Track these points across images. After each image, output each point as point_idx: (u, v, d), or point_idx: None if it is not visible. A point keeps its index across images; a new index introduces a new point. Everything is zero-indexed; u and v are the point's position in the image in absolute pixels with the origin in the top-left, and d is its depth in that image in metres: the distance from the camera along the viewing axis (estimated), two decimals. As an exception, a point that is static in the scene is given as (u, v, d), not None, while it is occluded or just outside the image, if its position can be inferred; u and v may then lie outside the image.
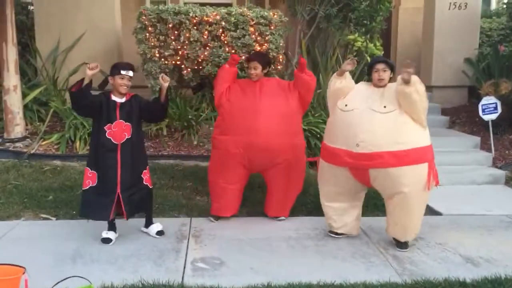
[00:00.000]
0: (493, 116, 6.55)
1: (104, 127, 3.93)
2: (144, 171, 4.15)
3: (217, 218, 4.63)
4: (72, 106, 4.10)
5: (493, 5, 10.72)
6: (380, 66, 3.92)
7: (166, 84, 4.09)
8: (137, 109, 4.06)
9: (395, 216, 3.93)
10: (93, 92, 3.92)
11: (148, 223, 4.29)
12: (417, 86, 3.70)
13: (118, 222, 4.15)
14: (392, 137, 3.68)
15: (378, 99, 3.82)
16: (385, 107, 3.74)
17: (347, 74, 4.05)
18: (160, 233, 4.23)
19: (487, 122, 6.62)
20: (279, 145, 4.35)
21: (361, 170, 3.82)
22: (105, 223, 4.09)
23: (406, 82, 3.68)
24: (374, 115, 3.74)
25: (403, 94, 3.71)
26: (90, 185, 3.97)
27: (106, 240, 4.03)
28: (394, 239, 4.05)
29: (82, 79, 3.88)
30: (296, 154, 4.49)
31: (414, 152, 3.69)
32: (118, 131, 3.95)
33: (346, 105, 3.90)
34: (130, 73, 3.96)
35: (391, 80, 4.00)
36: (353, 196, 4.14)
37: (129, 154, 3.99)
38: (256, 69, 4.50)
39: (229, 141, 4.39)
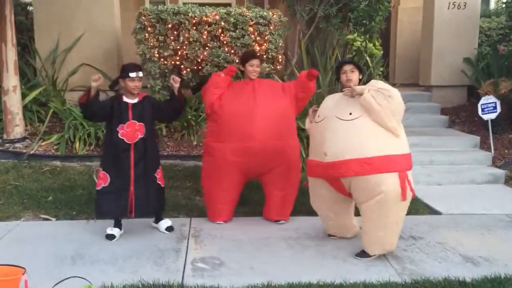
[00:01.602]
0: (493, 116, 6.55)
1: (117, 128, 3.99)
2: (158, 170, 4.22)
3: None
4: (84, 116, 4.23)
5: (492, 5, 10.74)
6: (348, 67, 3.86)
7: (177, 85, 4.15)
8: (150, 109, 4.12)
9: (364, 225, 3.78)
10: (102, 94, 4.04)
11: (158, 219, 4.37)
12: (373, 95, 3.56)
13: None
14: (356, 144, 3.56)
15: (345, 105, 3.72)
16: (350, 114, 3.64)
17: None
18: (169, 228, 4.31)
19: (487, 121, 6.63)
20: (276, 148, 4.32)
21: (335, 180, 3.72)
22: (107, 224, 4.11)
23: (359, 94, 3.63)
24: (338, 123, 3.65)
25: (363, 104, 3.62)
26: (102, 185, 4.03)
27: (110, 237, 4.08)
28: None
29: (89, 89, 3.91)
30: (293, 155, 4.48)
31: (379, 160, 3.52)
32: (131, 131, 4.01)
33: (318, 116, 3.87)
34: (140, 74, 4.02)
35: (362, 83, 3.96)
36: (339, 208, 4.00)
37: (142, 154, 4.06)
38: (258, 67, 4.48)
39: (226, 148, 4.30)
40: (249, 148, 4.27)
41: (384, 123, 3.58)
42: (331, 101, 3.90)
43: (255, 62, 4.42)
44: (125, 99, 4.05)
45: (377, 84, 3.67)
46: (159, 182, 4.22)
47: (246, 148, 4.27)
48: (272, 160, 4.37)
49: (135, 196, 4.04)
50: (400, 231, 3.81)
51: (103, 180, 4.04)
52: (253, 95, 4.34)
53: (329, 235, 4.24)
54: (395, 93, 3.61)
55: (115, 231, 4.12)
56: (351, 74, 3.83)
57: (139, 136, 4.03)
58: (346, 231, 4.17)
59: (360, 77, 3.91)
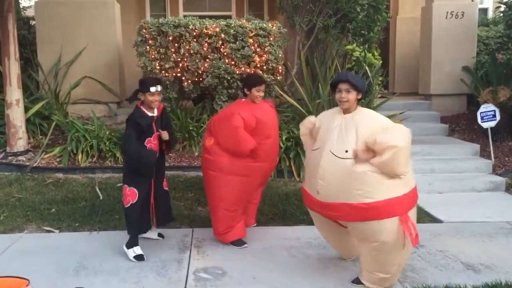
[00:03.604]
0: (492, 124, 6.58)
1: (144, 143, 4.00)
2: (164, 177, 4.32)
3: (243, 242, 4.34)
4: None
5: (490, 14, 10.82)
6: (343, 86, 3.35)
7: (166, 137, 4.13)
8: (165, 120, 4.22)
9: (365, 264, 3.47)
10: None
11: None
12: (377, 164, 3.13)
13: (120, 234, 4.17)
14: (349, 187, 3.19)
15: (342, 139, 3.28)
16: (346, 151, 3.21)
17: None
18: (161, 235, 4.46)
19: (487, 129, 6.66)
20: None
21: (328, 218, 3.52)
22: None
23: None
24: (332, 159, 3.26)
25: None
26: (131, 202, 3.99)
27: (140, 257, 3.98)
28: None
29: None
30: None
31: (375, 206, 3.15)
32: (157, 143, 4.10)
33: (315, 143, 3.52)
34: (159, 88, 4.02)
35: (362, 103, 3.53)
36: (340, 232, 3.71)
37: (160, 163, 4.17)
38: (263, 92, 4.36)
39: (263, 167, 4.29)
40: (271, 168, 4.46)
41: (387, 173, 3.17)
42: (326, 123, 3.48)
43: (262, 87, 4.28)
44: (147, 112, 4.03)
45: (382, 141, 3.11)
46: (166, 189, 4.37)
47: (271, 167, 4.44)
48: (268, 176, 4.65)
49: (155, 207, 4.19)
50: (402, 268, 3.54)
51: (131, 197, 3.98)
52: (268, 117, 4.32)
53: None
54: (403, 143, 3.09)
55: (139, 249, 4.03)
56: (347, 95, 3.33)
57: (159, 147, 4.13)
58: (347, 253, 3.94)
59: (359, 97, 3.40)
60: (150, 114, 4.05)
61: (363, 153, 3.18)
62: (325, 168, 3.29)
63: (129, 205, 3.98)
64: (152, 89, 3.95)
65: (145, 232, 4.33)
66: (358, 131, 3.25)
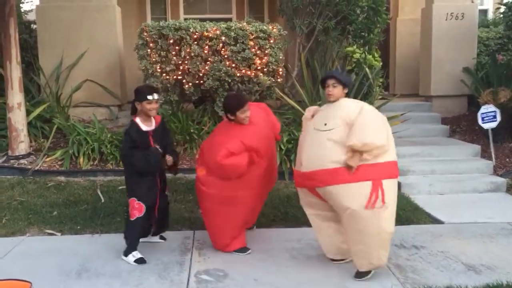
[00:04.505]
0: (493, 125, 6.58)
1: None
2: (166, 185, 4.32)
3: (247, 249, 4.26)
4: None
5: (490, 15, 10.82)
6: (330, 81, 3.75)
7: (170, 162, 4.11)
8: (164, 134, 4.13)
9: (348, 240, 3.67)
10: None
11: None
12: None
13: (119, 236, 4.18)
14: (324, 155, 3.52)
15: (324, 115, 3.72)
16: (325, 124, 3.61)
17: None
18: (162, 237, 4.47)
19: (487, 130, 6.66)
20: None
21: (311, 190, 3.72)
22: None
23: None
24: (314, 134, 3.66)
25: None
26: (137, 216, 3.96)
27: (141, 260, 3.98)
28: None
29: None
30: None
31: (344, 170, 3.44)
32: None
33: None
34: (156, 96, 3.91)
35: (362, 94, 3.89)
36: (329, 215, 3.82)
37: (162, 173, 4.15)
38: (249, 110, 4.04)
39: (258, 193, 4.16)
40: (268, 189, 4.47)
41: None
42: (321, 112, 3.84)
43: (247, 107, 3.99)
44: (142, 126, 3.94)
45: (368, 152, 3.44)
46: (167, 193, 4.38)
47: (268, 189, 4.44)
48: None
49: (158, 219, 4.22)
50: (389, 243, 3.63)
51: (138, 211, 3.95)
52: (263, 122, 4.23)
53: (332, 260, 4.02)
54: (380, 142, 3.45)
55: (138, 253, 4.03)
56: (333, 89, 3.72)
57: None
58: (336, 250, 3.93)
59: (346, 91, 3.79)
60: (146, 128, 3.95)
61: (351, 160, 3.44)
62: (307, 142, 3.70)
63: (135, 218, 3.96)
64: (149, 97, 3.86)
65: (144, 237, 4.28)
66: (338, 110, 3.66)
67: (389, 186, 3.50)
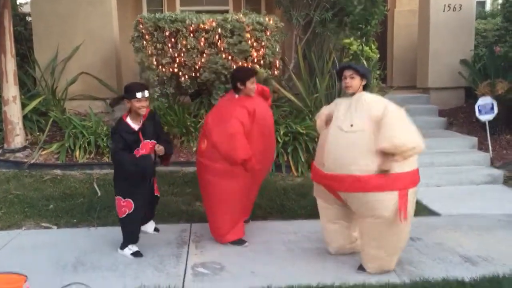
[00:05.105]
0: (490, 117, 6.58)
1: (134, 153, 3.88)
2: (155, 183, 4.30)
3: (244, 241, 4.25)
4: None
5: (488, 6, 10.79)
6: (347, 73, 3.64)
7: (161, 152, 4.02)
8: (154, 126, 4.02)
9: (364, 243, 3.62)
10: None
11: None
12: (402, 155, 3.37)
13: (119, 230, 4.17)
14: (351, 160, 3.39)
15: (350, 114, 3.51)
16: (352, 125, 3.44)
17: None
18: (156, 229, 4.48)
19: (485, 122, 6.66)
20: None
21: (332, 191, 3.64)
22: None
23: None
24: (338, 133, 3.49)
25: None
26: (127, 212, 3.90)
27: (137, 253, 3.97)
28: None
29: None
30: None
31: (377, 178, 3.33)
32: (146, 150, 3.93)
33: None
34: (146, 94, 3.82)
35: (367, 89, 3.76)
36: (341, 212, 3.80)
37: (153, 168, 4.11)
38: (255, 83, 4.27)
39: (259, 168, 4.19)
40: (268, 167, 4.61)
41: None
42: (342, 107, 3.64)
43: (255, 79, 4.21)
44: (130, 123, 3.86)
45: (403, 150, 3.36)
46: (157, 194, 4.36)
47: (268, 166, 4.58)
48: None
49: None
50: (401, 251, 3.63)
51: (127, 207, 3.89)
52: (265, 110, 4.34)
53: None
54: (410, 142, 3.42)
55: (134, 246, 4.01)
56: (351, 81, 3.61)
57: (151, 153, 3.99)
58: (342, 245, 3.92)
59: (364, 83, 3.66)
60: (135, 126, 3.87)
61: (384, 164, 3.34)
62: (331, 142, 3.52)
63: (125, 215, 3.91)
64: (139, 95, 3.76)
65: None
66: (363, 108, 3.50)
67: (412, 195, 3.46)
